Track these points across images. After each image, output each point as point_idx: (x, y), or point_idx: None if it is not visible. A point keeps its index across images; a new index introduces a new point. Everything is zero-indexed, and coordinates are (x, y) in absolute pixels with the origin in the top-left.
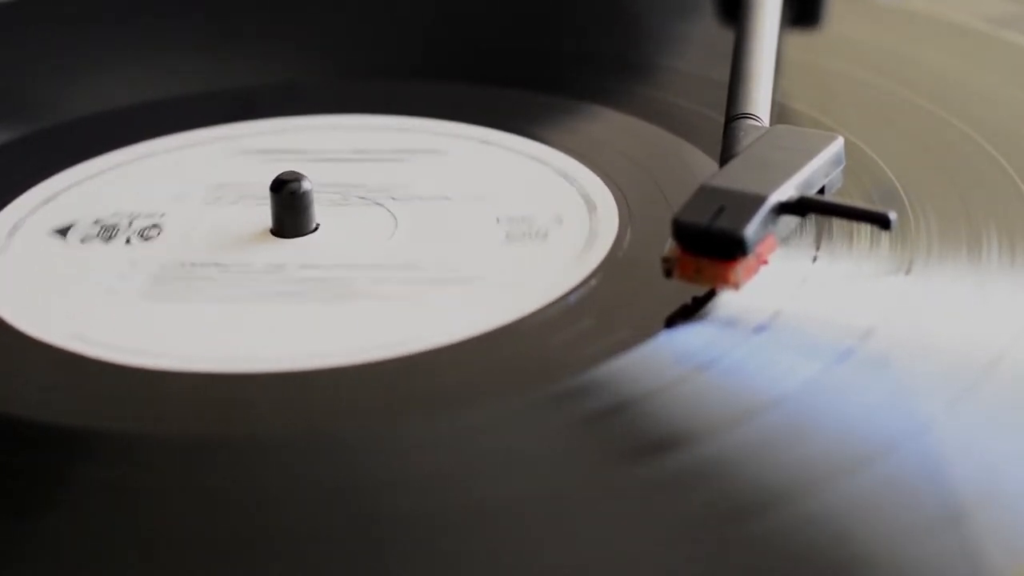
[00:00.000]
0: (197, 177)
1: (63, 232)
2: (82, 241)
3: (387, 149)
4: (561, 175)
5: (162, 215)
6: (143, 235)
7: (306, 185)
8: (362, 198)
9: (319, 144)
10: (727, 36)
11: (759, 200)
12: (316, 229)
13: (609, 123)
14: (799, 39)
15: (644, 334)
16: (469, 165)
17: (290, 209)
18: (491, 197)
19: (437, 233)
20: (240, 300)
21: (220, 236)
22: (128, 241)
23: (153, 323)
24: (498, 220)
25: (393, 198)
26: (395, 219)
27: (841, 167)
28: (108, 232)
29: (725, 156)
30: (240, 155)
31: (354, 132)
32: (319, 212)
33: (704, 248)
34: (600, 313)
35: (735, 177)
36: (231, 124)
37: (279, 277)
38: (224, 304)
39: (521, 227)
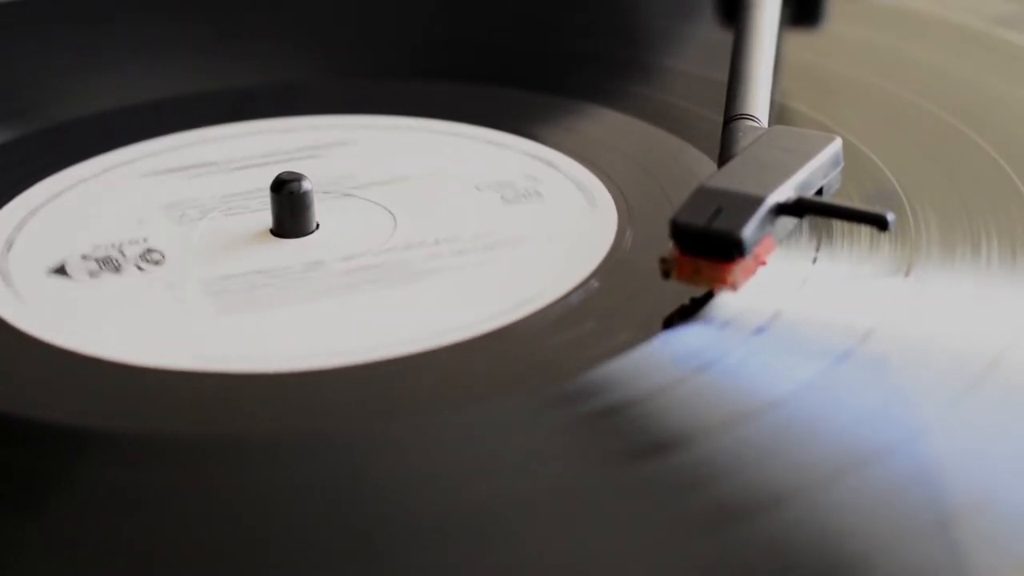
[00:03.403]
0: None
1: (61, 271)
2: (91, 276)
3: (386, 149)
4: (561, 175)
5: (145, 239)
6: (147, 259)
7: (306, 185)
8: (361, 198)
9: (313, 145)
10: (726, 36)
11: (757, 201)
12: (317, 228)
13: (608, 123)
14: (798, 38)
15: (643, 335)
16: (467, 164)
17: (290, 209)
18: (489, 197)
19: (436, 233)
20: (242, 300)
21: (223, 243)
22: (140, 268)
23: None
24: (498, 219)
25: (393, 198)
26: (394, 218)
27: (839, 168)
28: (112, 264)
29: (723, 157)
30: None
31: (350, 132)
32: (318, 211)
33: (702, 249)
34: (599, 314)
35: (733, 178)
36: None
37: (280, 277)
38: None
39: (520, 226)
